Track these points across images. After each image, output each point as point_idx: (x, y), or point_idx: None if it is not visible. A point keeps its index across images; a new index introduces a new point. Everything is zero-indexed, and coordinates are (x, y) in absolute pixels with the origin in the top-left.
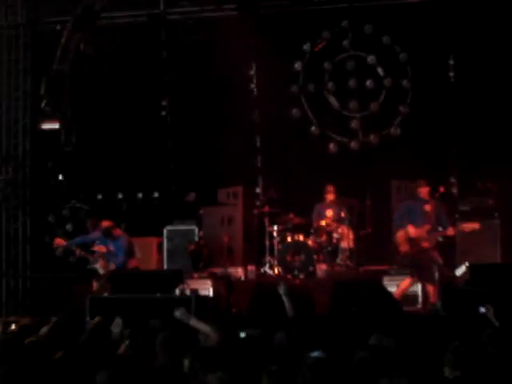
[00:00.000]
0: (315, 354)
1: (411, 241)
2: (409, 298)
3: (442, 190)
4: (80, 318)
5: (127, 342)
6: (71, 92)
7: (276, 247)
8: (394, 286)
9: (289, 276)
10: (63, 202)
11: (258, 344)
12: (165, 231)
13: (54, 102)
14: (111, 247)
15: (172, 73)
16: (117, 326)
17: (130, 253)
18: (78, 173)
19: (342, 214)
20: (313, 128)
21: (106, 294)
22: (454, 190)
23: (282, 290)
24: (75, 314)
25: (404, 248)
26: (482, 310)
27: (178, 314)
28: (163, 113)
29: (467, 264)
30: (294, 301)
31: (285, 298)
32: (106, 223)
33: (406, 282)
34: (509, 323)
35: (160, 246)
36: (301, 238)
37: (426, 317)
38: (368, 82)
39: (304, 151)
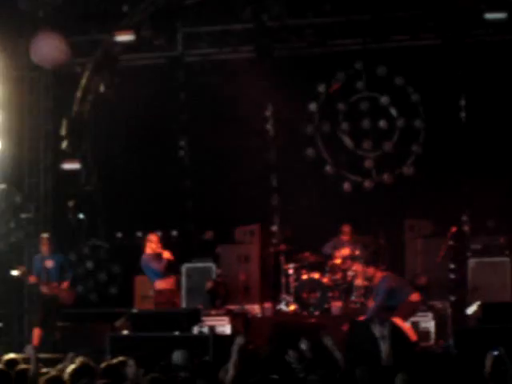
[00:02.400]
0: None
1: None
2: (422, 334)
3: (454, 228)
4: (100, 355)
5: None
6: (92, 132)
7: (292, 285)
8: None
9: (304, 313)
10: (84, 240)
11: None
12: (183, 269)
13: (74, 143)
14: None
15: (190, 113)
16: (130, 367)
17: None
18: (99, 211)
19: (357, 252)
20: (328, 167)
21: (125, 332)
22: (466, 229)
23: (328, 342)
24: (96, 351)
25: None
26: (495, 353)
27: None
28: (181, 153)
29: (478, 303)
30: (310, 339)
31: (333, 349)
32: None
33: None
34: None
35: (179, 283)
36: (316, 275)
37: (439, 354)
38: (381, 123)
39: (319, 190)
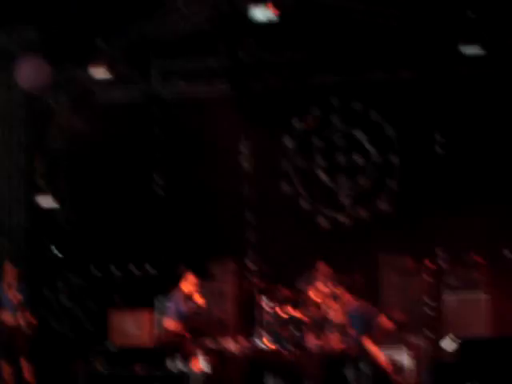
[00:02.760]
0: None
1: None
2: (397, 368)
3: (429, 264)
4: None
5: None
6: (66, 168)
7: (267, 320)
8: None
9: (281, 349)
10: (58, 274)
11: None
12: (156, 304)
13: (48, 178)
14: None
15: (165, 149)
16: None
17: None
18: (73, 246)
19: (331, 288)
20: (303, 202)
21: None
22: (442, 263)
23: None
24: None
25: None
26: None
27: None
28: (157, 188)
29: (453, 337)
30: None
31: None
32: None
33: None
34: None
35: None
36: (290, 310)
37: None
38: (357, 158)
39: (295, 225)
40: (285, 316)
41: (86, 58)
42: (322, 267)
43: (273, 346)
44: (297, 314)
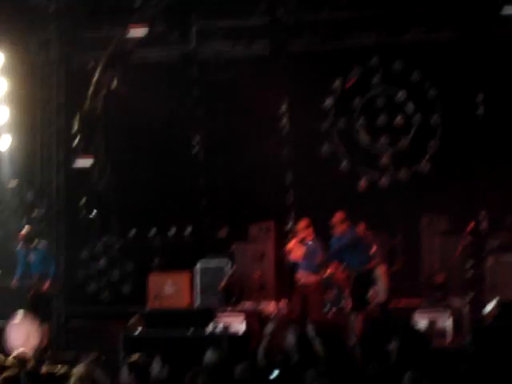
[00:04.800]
0: None
1: None
2: (439, 332)
3: (471, 225)
4: (114, 355)
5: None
6: (104, 129)
7: None
8: (425, 320)
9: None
10: (96, 238)
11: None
12: (197, 266)
13: (87, 140)
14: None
15: (203, 110)
16: (156, 364)
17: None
18: (111, 209)
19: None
20: (344, 164)
21: (139, 331)
22: (484, 226)
23: (310, 330)
24: (110, 351)
25: None
26: None
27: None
28: (195, 149)
29: (497, 300)
30: (325, 338)
31: (313, 338)
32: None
33: None
34: None
35: (193, 281)
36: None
37: (455, 352)
38: (398, 118)
39: (335, 187)
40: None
41: (124, 18)
42: (362, 228)
43: None
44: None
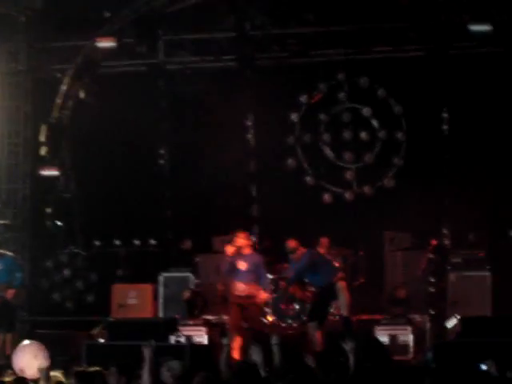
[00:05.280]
0: None
1: None
2: (400, 347)
3: (434, 241)
4: (76, 364)
5: None
6: (71, 139)
7: (270, 295)
8: (386, 335)
9: (283, 324)
10: (61, 247)
11: None
12: (161, 278)
13: (53, 149)
14: None
15: (170, 122)
16: (112, 375)
17: None
18: (76, 218)
19: (336, 264)
20: (308, 178)
21: (102, 341)
22: (447, 242)
23: (273, 340)
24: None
25: None
26: (484, 366)
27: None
28: (161, 161)
29: (458, 316)
30: (285, 351)
31: (275, 349)
32: None
33: None
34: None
35: (156, 292)
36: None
37: (417, 368)
38: (363, 134)
39: (299, 201)
40: (288, 292)
41: (92, 29)
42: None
43: (275, 322)
44: (299, 290)
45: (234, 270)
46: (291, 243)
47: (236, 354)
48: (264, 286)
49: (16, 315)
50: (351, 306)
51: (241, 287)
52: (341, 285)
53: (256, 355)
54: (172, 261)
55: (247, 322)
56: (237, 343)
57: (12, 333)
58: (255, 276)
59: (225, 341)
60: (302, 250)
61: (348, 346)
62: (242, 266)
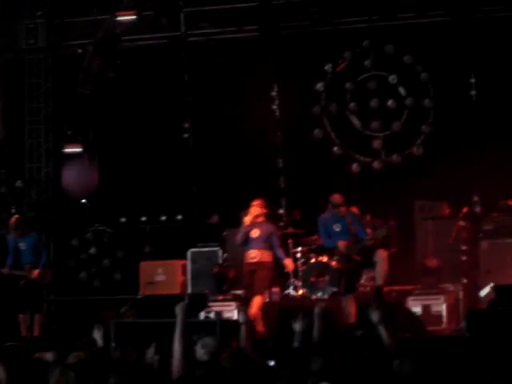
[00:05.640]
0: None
1: None
2: (433, 317)
3: (465, 209)
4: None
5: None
6: (93, 115)
7: (300, 268)
8: (419, 305)
9: (313, 297)
10: (87, 225)
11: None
12: (189, 254)
13: (76, 126)
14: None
15: (194, 94)
16: (150, 352)
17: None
18: (101, 196)
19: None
20: (335, 148)
21: (130, 319)
22: (477, 209)
23: (316, 310)
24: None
25: None
26: None
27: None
28: (185, 135)
29: (492, 285)
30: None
31: (316, 319)
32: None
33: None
34: None
35: (184, 268)
36: (325, 259)
37: (450, 338)
38: (390, 102)
39: (327, 172)
40: (318, 264)
41: (113, 3)
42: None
43: (306, 295)
44: (330, 261)
45: (247, 239)
46: (337, 197)
47: (259, 326)
48: (278, 255)
49: (43, 295)
50: (387, 277)
51: (252, 253)
52: (381, 254)
53: (298, 325)
54: (199, 236)
55: (255, 283)
56: (256, 305)
57: (39, 314)
58: (268, 245)
59: (241, 318)
60: (344, 208)
61: (374, 317)
62: (255, 233)
